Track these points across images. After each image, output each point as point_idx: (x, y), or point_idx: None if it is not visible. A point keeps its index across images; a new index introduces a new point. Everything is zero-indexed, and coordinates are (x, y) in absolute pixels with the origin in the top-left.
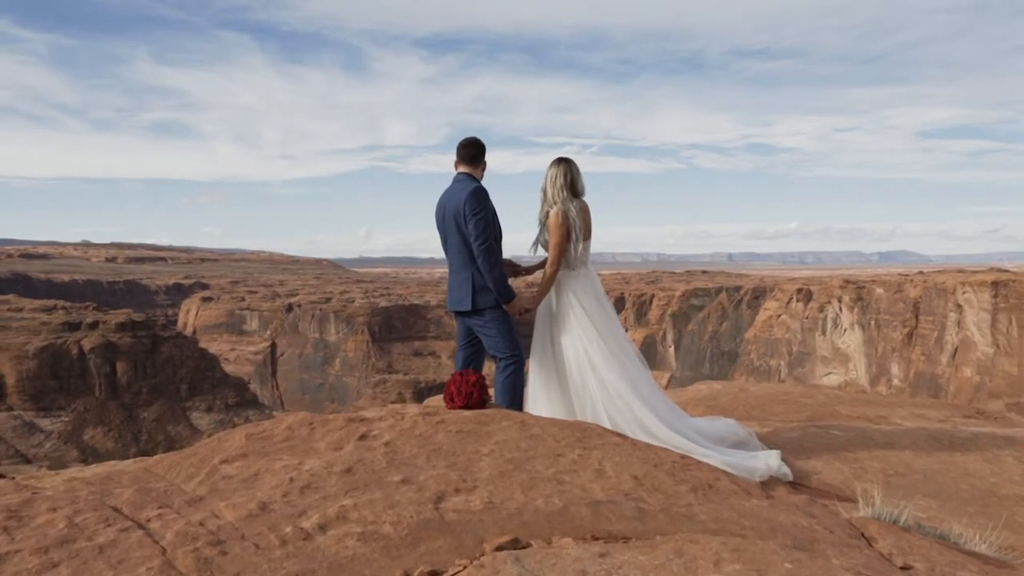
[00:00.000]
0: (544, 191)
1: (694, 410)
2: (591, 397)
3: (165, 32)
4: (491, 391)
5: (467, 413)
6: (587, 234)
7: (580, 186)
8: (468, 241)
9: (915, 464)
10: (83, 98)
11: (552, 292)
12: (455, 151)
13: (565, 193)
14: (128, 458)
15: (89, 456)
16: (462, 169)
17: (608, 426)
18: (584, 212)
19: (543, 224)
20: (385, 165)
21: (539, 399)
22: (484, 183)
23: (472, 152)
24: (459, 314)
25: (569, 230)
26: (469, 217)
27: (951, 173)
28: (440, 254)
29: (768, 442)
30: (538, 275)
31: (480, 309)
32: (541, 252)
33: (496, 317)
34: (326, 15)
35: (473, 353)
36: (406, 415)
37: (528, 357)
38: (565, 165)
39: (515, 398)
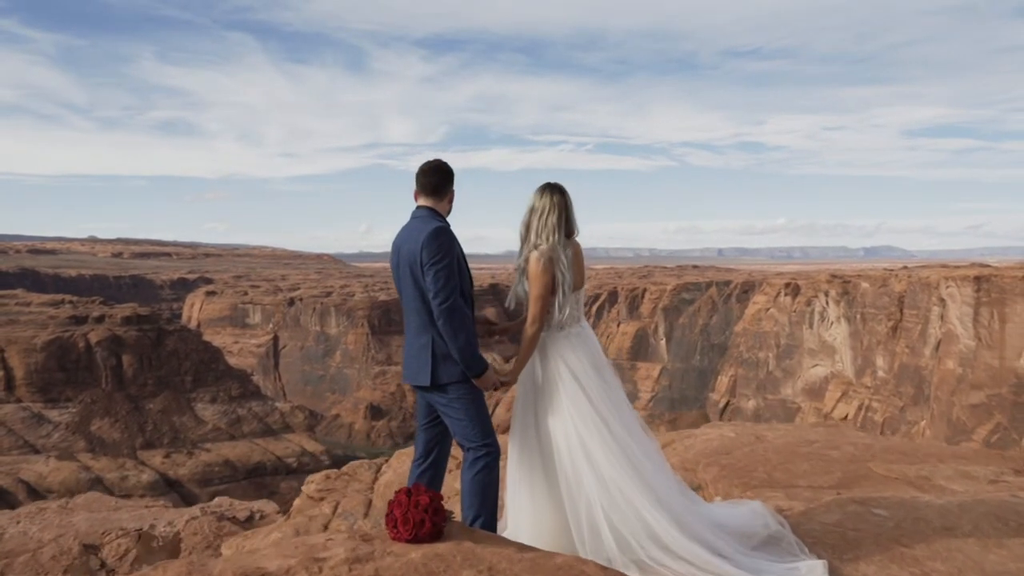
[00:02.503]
0: (527, 227)
1: (706, 470)
2: (587, 498)
3: (170, 32)
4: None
5: (414, 555)
6: (579, 282)
7: (574, 224)
8: (427, 297)
9: (986, 563)
10: (90, 97)
11: (536, 359)
12: (414, 178)
13: (558, 235)
14: (135, 448)
15: (96, 446)
16: (422, 202)
17: (608, 537)
18: (577, 257)
19: (522, 271)
20: (385, 163)
21: (520, 501)
22: (454, 218)
23: (435, 181)
24: (418, 387)
25: (554, 280)
26: (427, 267)
27: (936, 171)
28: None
29: (802, 528)
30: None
31: (442, 384)
32: (519, 291)
33: (463, 395)
34: (328, 16)
35: (437, 436)
36: (324, 565)
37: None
38: (559, 196)
39: (486, 501)
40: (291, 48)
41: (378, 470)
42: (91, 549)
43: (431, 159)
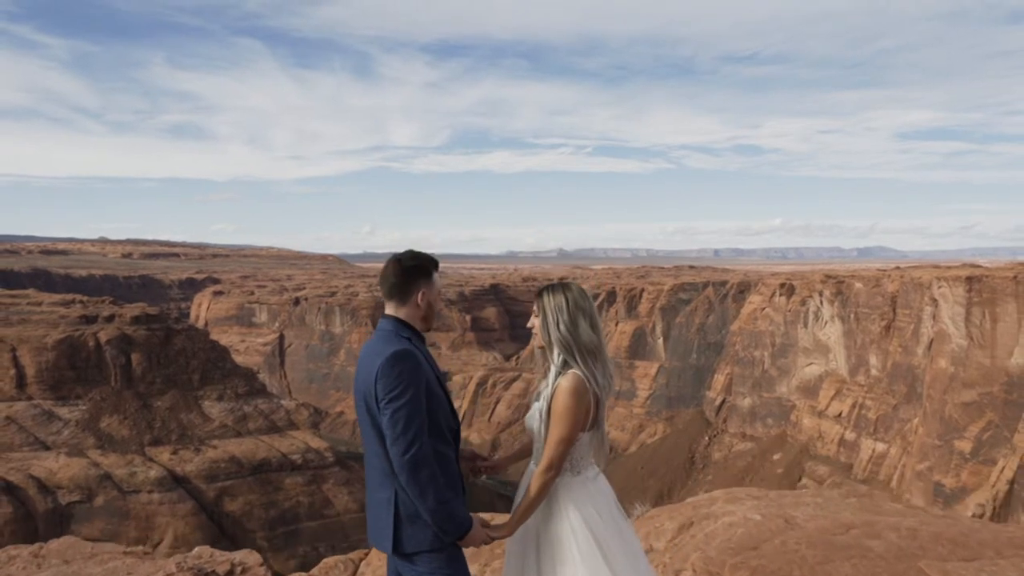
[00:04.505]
0: (549, 336)
1: (733, 573)
2: None
3: (181, 38)
4: None
5: None
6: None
7: (600, 330)
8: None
9: None
10: (102, 101)
11: (540, 508)
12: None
13: (597, 354)
14: (143, 444)
15: (105, 443)
16: (388, 311)
17: None
18: (609, 380)
19: (546, 404)
20: (390, 165)
21: None
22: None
23: (392, 283)
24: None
25: (586, 416)
26: (383, 404)
27: (928, 173)
28: (444, 248)
29: None
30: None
31: (409, 553)
32: (532, 423)
33: (437, 568)
34: (336, 22)
35: None
36: None
37: None
38: (584, 299)
39: None
40: (299, 54)
41: (355, 571)
42: None
43: (397, 253)
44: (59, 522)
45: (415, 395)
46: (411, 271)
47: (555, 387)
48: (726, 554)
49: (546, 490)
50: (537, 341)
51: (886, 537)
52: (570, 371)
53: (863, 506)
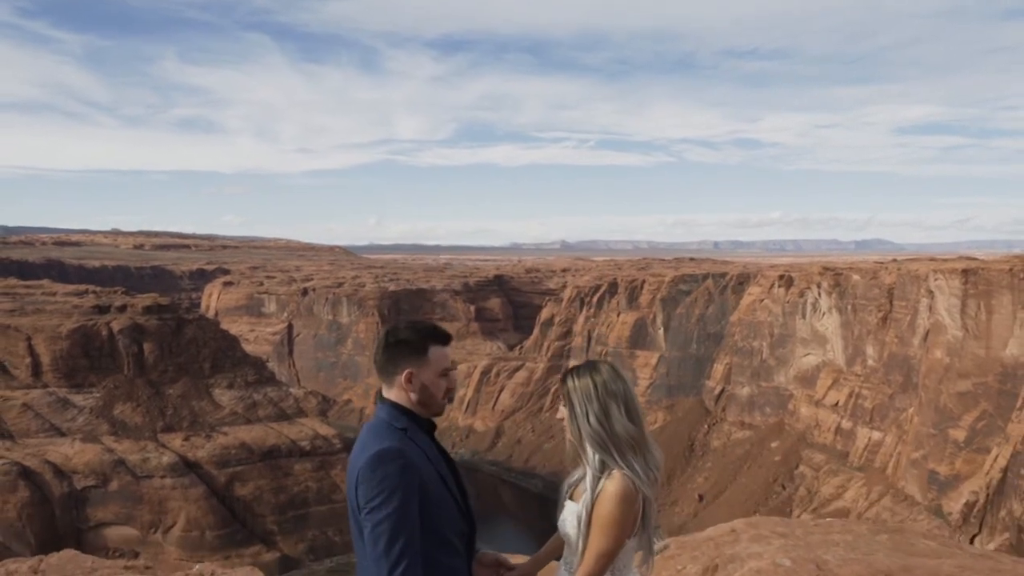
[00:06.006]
0: (579, 430)
1: None
2: None
3: (191, 33)
4: None
5: None
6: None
7: (639, 416)
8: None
9: None
10: (114, 95)
11: None
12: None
13: (646, 451)
14: (156, 431)
15: (119, 429)
16: (384, 391)
17: None
18: (656, 471)
19: (586, 511)
20: (396, 158)
21: None
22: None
23: (377, 361)
24: None
25: (633, 524)
26: (363, 515)
27: (925, 167)
28: (449, 240)
29: None
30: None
31: None
32: (567, 527)
33: None
34: (343, 17)
35: None
36: None
37: None
38: (616, 381)
39: None
40: (307, 48)
41: None
42: None
43: (394, 324)
44: (75, 506)
45: (401, 504)
46: (395, 347)
47: (598, 492)
48: None
49: None
50: (568, 434)
51: None
52: (615, 472)
53: (895, 545)
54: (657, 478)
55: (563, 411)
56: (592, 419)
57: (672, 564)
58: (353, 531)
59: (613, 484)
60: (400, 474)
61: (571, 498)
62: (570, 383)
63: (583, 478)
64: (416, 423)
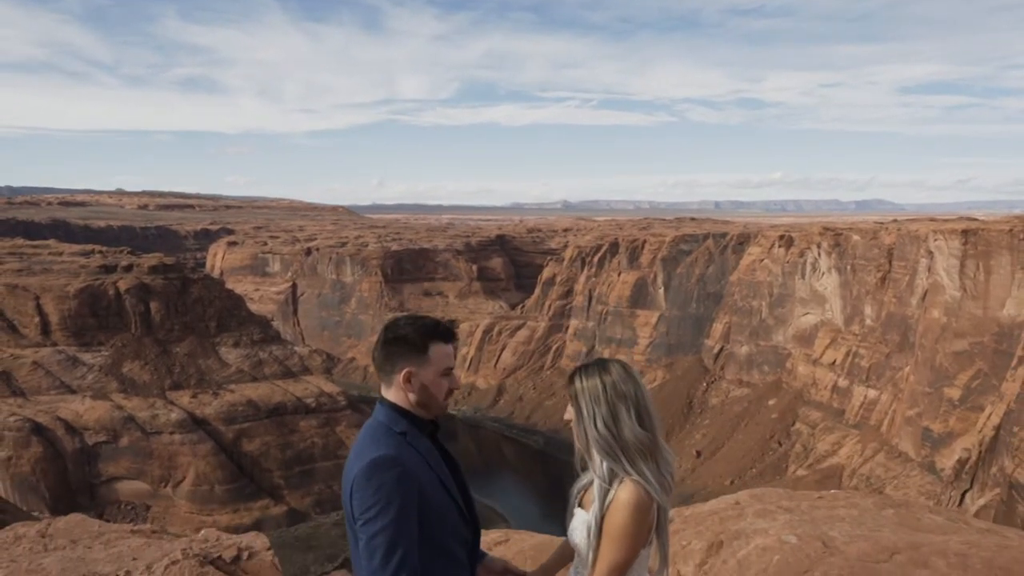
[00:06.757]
0: (585, 435)
1: None
2: None
3: None
4: None
5: None
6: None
7: (652, 420)
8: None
9: None
10: (116, 55)
11: None
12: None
13: (641, 458)
14: (164, 388)
15: (128, 387)
16: (382, 390)
17: None
18: (669, 478)
19: (596, 521)
20: (398, 118)
21: None
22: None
23: (375, 358)
24: None
25: (648, 534)
26: (358, 525)
27: (927, 127)
28: (451, 200)
29: None
30: None
31: None
32: (576, 537)
33: None
34: None
35: None
36: None
37: None
38: (627, 382)
39: None
40: (309, 7)
41: None
42: None
43: (396, 317)
44: (87, 461)
45: (398, 515)
46: (393, 345)
47: (609, 502)
48: None
49: None
50: (575, 438)
51: (934, 566)
52: (628, 480)
53: (901, 519)
54: (671, 485)
55: (570, 412)
56: (599, 423)
57: (676, 539)
58: (350, 539)
59: (626, 493)
60: (397, 483)
61: (580, 505)
62: (577, 384)
63: (592, 483)
64: (416, 426)
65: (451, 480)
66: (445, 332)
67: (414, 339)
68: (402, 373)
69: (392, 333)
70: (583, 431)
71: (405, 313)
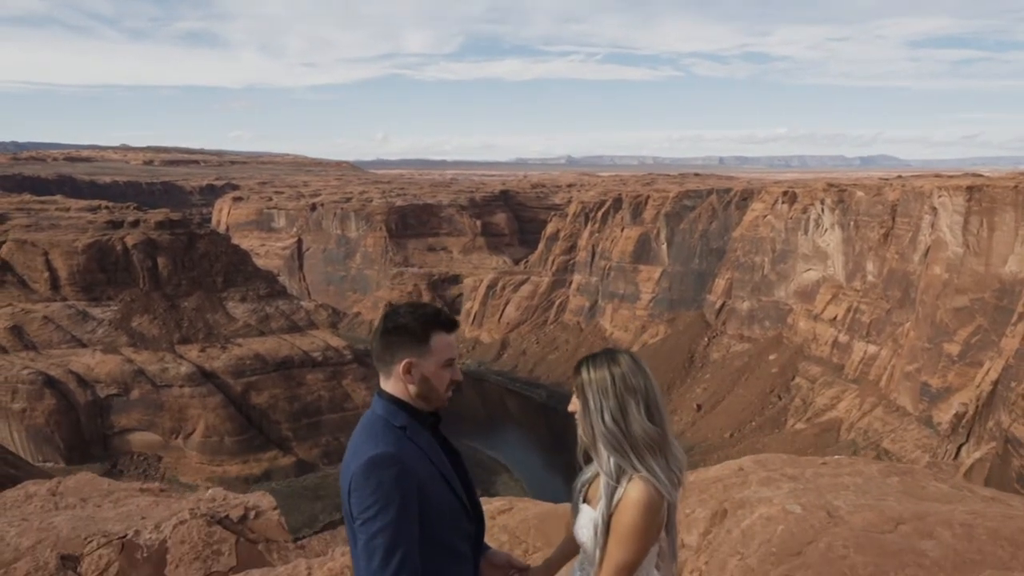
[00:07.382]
0: (592, 429)
1: None
2: None
3: None
4: None
5: None
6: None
7: (661, 414)
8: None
9: None
10: (117, 7)
11: None
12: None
13: (650, 453)
14: (173, 342)
15: (137, 341)
16: (381, 381)
17: None
18: (679, 473)
19: (603, 519)
20: (402, 72)
21: None
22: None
23: (373, 348)
24: None
25: (658, 533)
26: (357, 525)
27: (935, 81)
28: (455, 155)
29: None
30: None
31: None
32: (582, 535)
33: None
34: None
35: None
36: None
37: None
38: (636, 375)
39: None
40: None
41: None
42: (69, 562)
43: (394, 305)
44: (99, 413)
45: (398, 514)
46: (392, 334)
47: (618, 500)
48: (768, 562)
49: None
50: (579, 431)
51: (940, 536)
52: (637, 477)
53: (906, 488)
54: (681, 481)
55: (576, 404)
56: (607, 417)
57: (680, 507)
58: (349, 538)
59: (636, 491)
60: (395, 482)
61: (585, 500)
62: (585, 375)
63: (597, 476)
64: (417, 419)
65: (452, 474)
66: (447, 321)
67: (415, 328)
68: (402, 364)
69: (391, 322)
70: (589, 424)
71: (405, 302)
